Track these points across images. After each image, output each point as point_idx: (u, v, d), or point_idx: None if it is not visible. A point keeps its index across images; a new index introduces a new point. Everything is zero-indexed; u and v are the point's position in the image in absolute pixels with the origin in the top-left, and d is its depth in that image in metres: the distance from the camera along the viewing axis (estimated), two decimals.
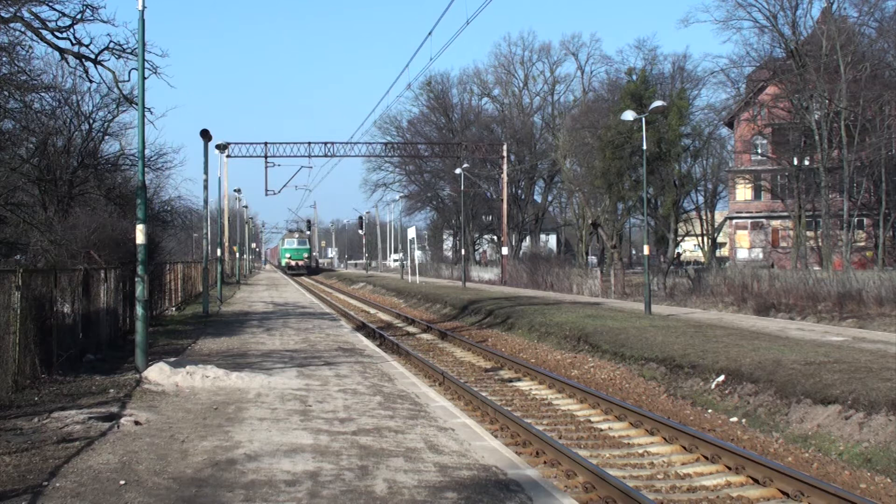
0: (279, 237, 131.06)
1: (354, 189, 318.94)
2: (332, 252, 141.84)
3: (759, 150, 54.26)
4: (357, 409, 10.83)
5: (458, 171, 49.43)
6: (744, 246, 58.09)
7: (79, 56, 19.67)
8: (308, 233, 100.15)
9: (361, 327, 26.62)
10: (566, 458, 9.52)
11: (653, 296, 28.23)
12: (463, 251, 53.71)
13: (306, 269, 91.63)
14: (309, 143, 53.29)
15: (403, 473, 7.70)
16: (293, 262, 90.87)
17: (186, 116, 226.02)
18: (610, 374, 16.46)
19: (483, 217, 76.53)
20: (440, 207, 79.92)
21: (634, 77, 49.03)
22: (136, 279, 14.10)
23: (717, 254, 62.95)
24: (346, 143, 54.55)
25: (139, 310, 14.09)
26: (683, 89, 51.52)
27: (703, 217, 59.01)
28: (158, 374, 12.82)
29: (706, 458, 10.15)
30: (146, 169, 21.96)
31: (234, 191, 69.87)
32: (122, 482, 7.25)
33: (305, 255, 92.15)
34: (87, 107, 27.17)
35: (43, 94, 21.56)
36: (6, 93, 18.99)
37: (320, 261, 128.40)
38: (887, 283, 26.11)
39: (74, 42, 19.30)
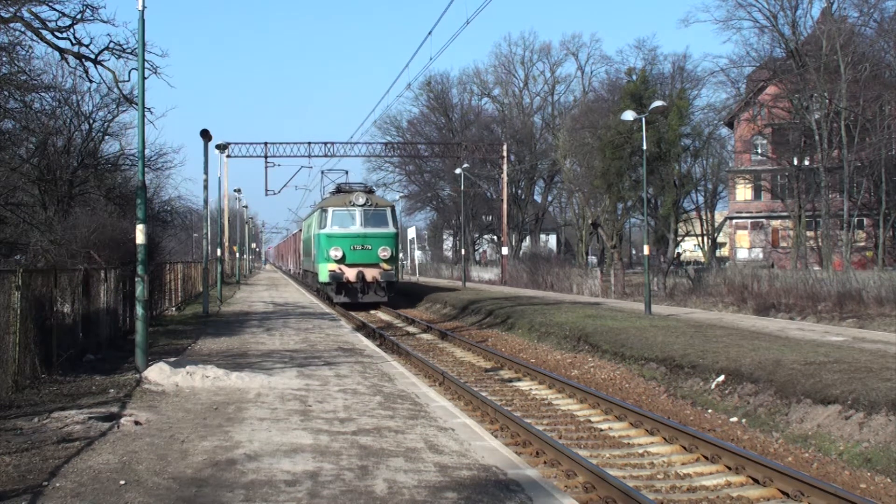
0: (279, 237, 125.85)
1: None
2: None
3: (759, 150, 54.28)
4: (357, 409, 10.83)
5: (458, 171, 49.43)
6: (744, 246, 58.09)
7: (79, 56, 19.67)
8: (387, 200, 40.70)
9: (361, 327, 26.60)
10: (566, 458, 9.51)
11: (653, 296, 28.24)
12: (463, 251, 53.69)
13: (385, 288, 33.73)
14: (309, 143, 53.23)
15: (403, 473, 7.70)
16: (353, 272, 33.14)
17: (186, 116, 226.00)
18: (610, 374, 16.46)
19: (483, 217, 76.56)
20: (440, 207, 79.93)
21: (634, 77, 48.99)
22: (136, 279, 14.09)
23: (717, 254, 62.94)
24: (346, 143, 54.52)
25: (139, 310, 14.10)
26: (683, 89, 51.51)
27: (703, 217, 59.01)
28: (158, 374, 12.82)
29: (706, 458, 10.15)
30: (146, 169, 22.00)
31: (234, 191, 69.91)
32: (122, 482, 7.25)
33: (385, 250, 33.33)
34: (87, 107, 27.30)
35: (43, 94, 21.65)
36: (6, 93, 19.02)
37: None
38: (887, 283, 26.13)
39: (74, 42, 19.30)
